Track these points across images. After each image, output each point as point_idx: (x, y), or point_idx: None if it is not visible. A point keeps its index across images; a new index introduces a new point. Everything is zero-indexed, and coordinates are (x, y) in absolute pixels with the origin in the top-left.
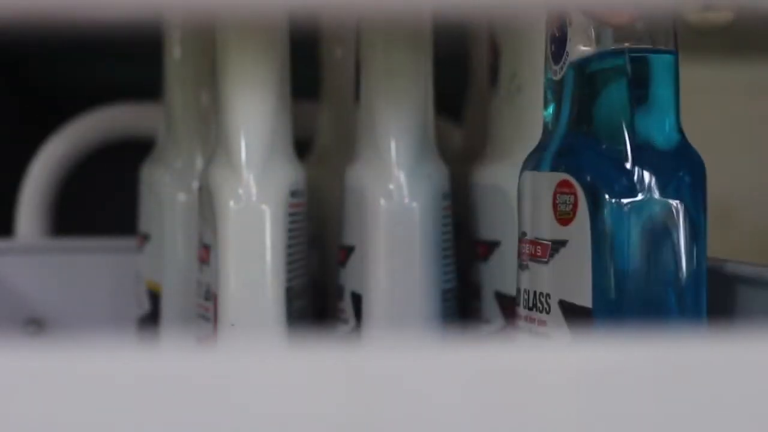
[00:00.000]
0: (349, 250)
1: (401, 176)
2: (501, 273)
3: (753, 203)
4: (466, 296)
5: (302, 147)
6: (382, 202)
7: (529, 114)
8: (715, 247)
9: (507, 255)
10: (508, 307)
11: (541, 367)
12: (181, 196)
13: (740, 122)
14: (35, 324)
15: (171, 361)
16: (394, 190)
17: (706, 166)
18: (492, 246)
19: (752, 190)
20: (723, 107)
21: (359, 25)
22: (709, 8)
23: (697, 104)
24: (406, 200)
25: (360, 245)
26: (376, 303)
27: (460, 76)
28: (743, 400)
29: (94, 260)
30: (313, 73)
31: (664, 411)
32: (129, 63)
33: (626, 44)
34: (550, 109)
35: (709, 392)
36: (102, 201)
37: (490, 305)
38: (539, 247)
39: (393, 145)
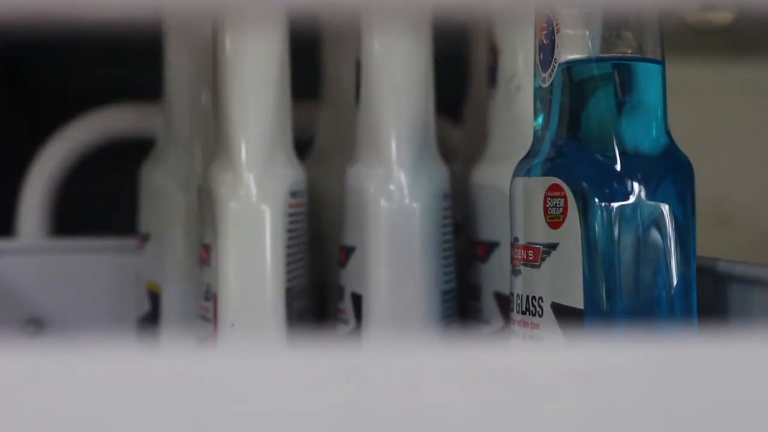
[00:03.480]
0: (349, 251)
1: (402, 177)
2: (500, 273)
3: (753, 203)
4: (466, 297)
5: (302, 147)
6: (383, 202)
7: (528, 114)
8: (715, 246)
9: (506, 255)
10: (508, 307)
11: (539, 367)
12: (181, 196)
13: (740, 122)
14: (35, 324)
15: (171, 361)
16: (395, 190)
17: (706, 166)
18: (491, 246)
19: (752, 190)
20: (723, 107)
21: (359, 25)
22: (709, 8)
23: (696, 104)
24: (407, 201)
25: (360, 246)
26: (376, 303)
27: (460, 76)
28: (736, 400)
29: (94, 260)
30: (313, 73)
31: (656, 410)
32: (129, 63)
33: (613, 52)
34: (540, 119)
35: (701, 392)
36: (102, 201)
37: (490, 306)
38: (531, 251)
39: (393, 145)
